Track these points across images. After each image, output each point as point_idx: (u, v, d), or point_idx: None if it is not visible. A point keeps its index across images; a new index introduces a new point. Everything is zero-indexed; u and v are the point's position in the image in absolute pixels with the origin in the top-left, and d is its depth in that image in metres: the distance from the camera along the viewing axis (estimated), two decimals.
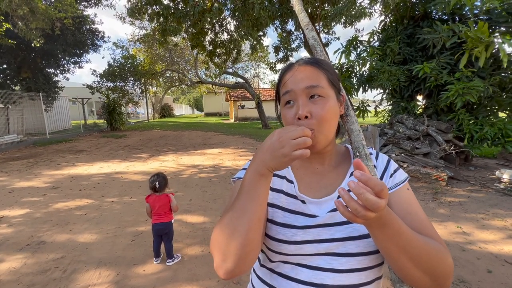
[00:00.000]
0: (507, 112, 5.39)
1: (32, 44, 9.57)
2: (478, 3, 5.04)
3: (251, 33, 6.93)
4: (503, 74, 5.01)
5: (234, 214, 0.53)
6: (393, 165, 0.68)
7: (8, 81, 13.26)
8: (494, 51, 4.56)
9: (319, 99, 0.58)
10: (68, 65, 15.08)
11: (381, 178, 0.66)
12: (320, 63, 0.63)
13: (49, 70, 14.30)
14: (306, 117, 0.57)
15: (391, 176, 0.65)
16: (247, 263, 0.53)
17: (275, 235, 0.61)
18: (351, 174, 0.65)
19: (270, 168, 0.51)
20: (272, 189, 0.66)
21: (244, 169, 0.71)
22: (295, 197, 0.64)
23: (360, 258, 0.57)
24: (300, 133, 0.48)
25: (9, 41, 8.65)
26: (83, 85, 16.70)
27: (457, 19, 5.25)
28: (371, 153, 0.74)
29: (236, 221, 0.52)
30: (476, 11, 5.25)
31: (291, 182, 0.67)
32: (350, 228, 0.58)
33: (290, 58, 10.21)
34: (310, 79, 0.59)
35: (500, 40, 4.01)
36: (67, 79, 15.56)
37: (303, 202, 0.63)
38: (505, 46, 4.03)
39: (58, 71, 14.74)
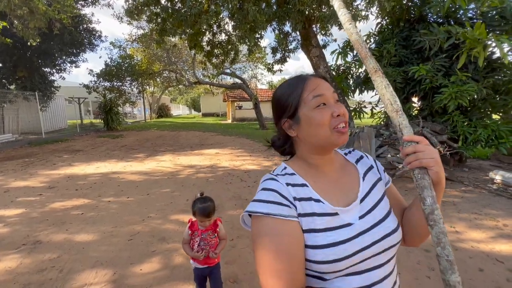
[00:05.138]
0: (500, 114, 5.47)
1: (29, 43, 9.46)
2: (473, 5, 5.11)
3: (249, 37, 6.93)
4: (496, 77, 5.09)
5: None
6: (379, 163, 0.81)
7: (3, 80, 13.14)
8: (489, 53, 4.62)
9: (339, 103, 0.70)
10: (65, 65, 14.98)
11: (377, 170, 0.79)
12: (326, 79, 0.76)
13: (45, 69, 14.19)
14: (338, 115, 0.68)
15: (384, 171, 0.79)
16: None
17: (324, 258, 0.60)
18: (364, 177, 0.74)
19: None
20: (306, 215, 0.63)
21: (260, 200, 0.64)
22: (328, 214, 0.64)
23: (392, 249, 0.67)
24: None
25: (7, 40, 8.57)
26: (80, 84, 16.60)
27: (452, 22, 5.32)
28: (346, 153, 0.82)
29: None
30: (470, 14, 5.33)
31: (318, 201, 0.66)
32: (382, 227, 0.66)
33: (288, 59, 10.24)
34: (331, 87, 0.72)
35: (498, 40, 4.03)
36: (64, 78, 15.44)
37: (336, 214, 0.65)
38: (504, 45, 4.08)
39: (54, 70, 14.64)
